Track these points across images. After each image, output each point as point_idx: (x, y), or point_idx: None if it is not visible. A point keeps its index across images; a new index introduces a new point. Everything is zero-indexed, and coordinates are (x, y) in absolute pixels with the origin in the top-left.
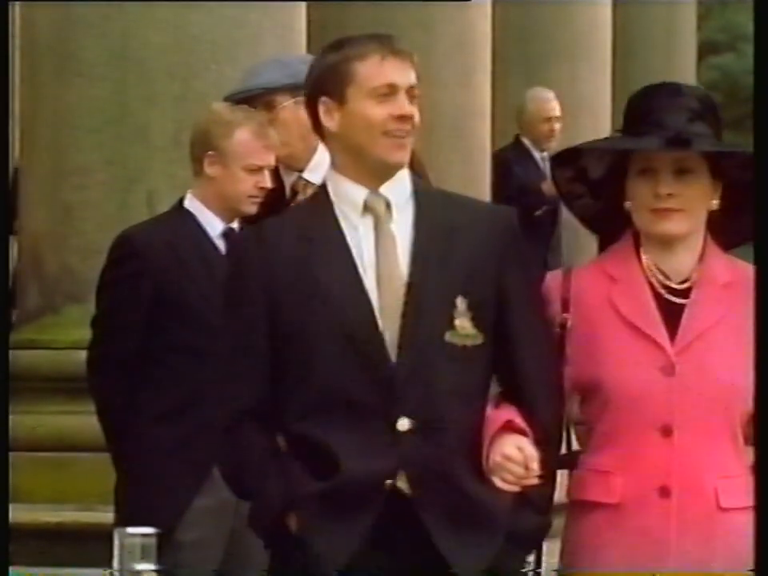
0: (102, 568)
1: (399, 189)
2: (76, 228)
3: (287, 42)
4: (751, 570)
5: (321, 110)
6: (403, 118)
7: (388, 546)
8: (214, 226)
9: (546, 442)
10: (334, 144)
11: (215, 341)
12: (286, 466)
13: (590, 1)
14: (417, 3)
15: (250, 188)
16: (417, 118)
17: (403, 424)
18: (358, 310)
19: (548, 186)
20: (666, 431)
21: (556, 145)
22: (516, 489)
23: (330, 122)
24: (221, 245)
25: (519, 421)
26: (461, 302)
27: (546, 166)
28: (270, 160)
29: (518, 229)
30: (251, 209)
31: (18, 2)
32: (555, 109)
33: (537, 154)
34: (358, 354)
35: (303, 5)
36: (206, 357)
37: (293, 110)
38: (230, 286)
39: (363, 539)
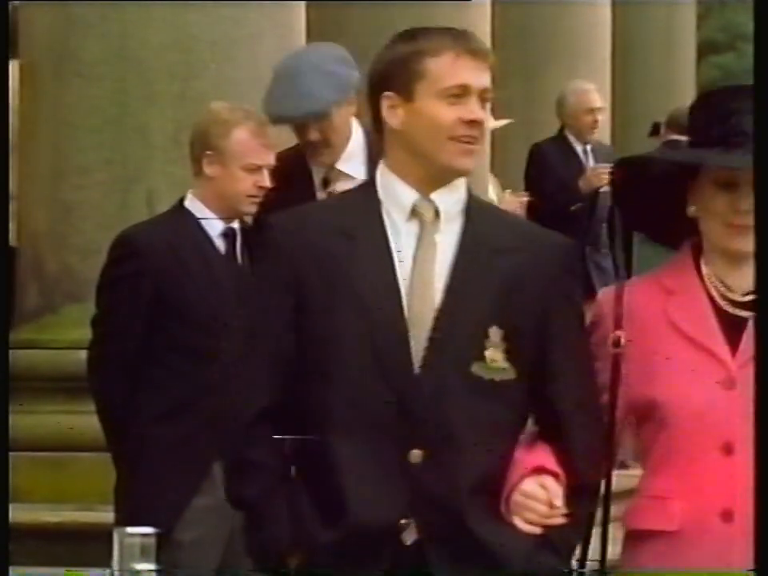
0: (101, 568)
1: (453, 198)
2: (76, 227)
3: (286, 42)
4: (751, 570)
5: (384, 104)
6: (473, 124)
7: None
8: (213, 225)
9: (580, 489)
10: (393, 142)
11: (214, 340)
12: (294, 493)
13: (589, 1)
14: (416, 3)
15: (249, 187)
16: (487, 123)
17: (415, 455)
18: (391, 321)
19: (584, 182)
20: (728, 449)
21: (587, 137)
22: (539, 530)
23: (393, 118)
24: (221, 245)
25: (551, 465)
26: (495, 333)
27: (587, 160)
28: (269, 159)
29: (573, 262)
30: (250, 208)
31: (17, 2)
32: (596, 100)
33: (579, 147)
34: (382, 371)
35: (302, 4)
36: (205, 356)
37: (343, 115)
38: (256, 275)
39: None
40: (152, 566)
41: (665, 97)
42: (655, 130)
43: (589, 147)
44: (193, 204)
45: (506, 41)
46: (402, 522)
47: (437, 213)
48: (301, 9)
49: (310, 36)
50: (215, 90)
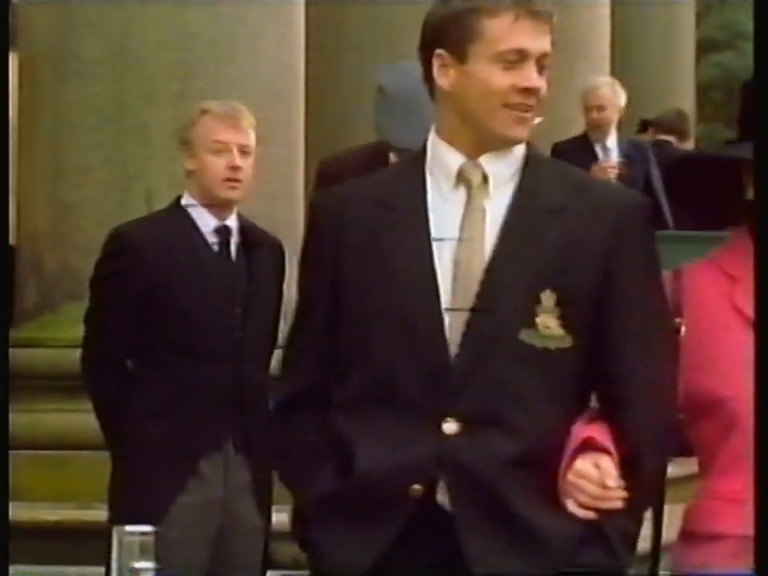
0: (100, 566)
1: (505, 161)
2: (75, 226)
3: (286, 41)
4: (751, 570)
5: (435, 63)
6: (529, 91)
7: (415, 562)
8: (206, 222)
9: (638, 468)
10: (443, 104)
11: (202, 337)
12: (321, 461)
13: (589, 0)
14: (415, 2)
15: (221, 170)
16: (544, 90)
17: (450, 426)
18: (420, 291)
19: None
20: None
21: (603, 134)
22: (591, 515)
23: (443, 78)
24: (214, 241)
25: (604, 438)
26: (548, 297)
27: (604, 156)
28: (239, 138)
29: (644, 221)
30: (229, 193)
31: (17, 2)
32: (600, 97)
33: (598, 145)
34: (413, 341)
35: (302, 3)
36: (193, 353)
37: None
38: (301, 255)
39: (384, 553)
40: (151, 565)
41: (664, 95)
42: (643, 128)
43: (611, 144)
44: (188, 202)
45: None
46: (415, 487)
47: (485, 177)
48: (300, 7)
49: (309, 34)
50: (215, 89)
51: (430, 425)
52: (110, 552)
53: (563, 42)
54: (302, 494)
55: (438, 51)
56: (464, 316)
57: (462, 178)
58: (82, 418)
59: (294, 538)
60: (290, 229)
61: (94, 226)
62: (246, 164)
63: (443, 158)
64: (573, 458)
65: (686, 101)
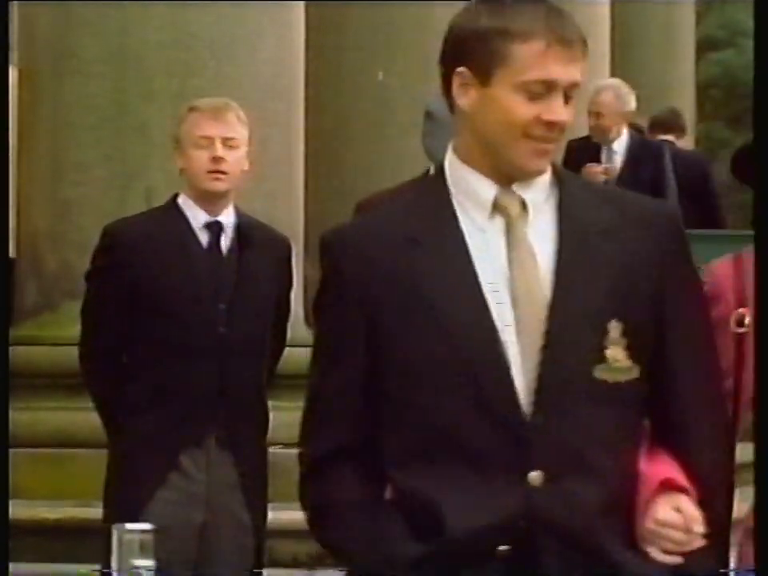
0: (100, 564)
1: (538, 185)
2: (75, 224)
3: (286, 40)
4: (751, 570)
5: (455, 81)
6: (554, 125)
7: None
8: (197, 218)
9: (712, 498)
10: (462, 123)
11: (186, 332)
12: (385, 519)
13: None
14: (414, 3)
15: (204, 163)
16: (570, 121)
17: (535, 478)
18: (480, 335)
19: (585, 174)
20: None
21: (604, 138)
22: (678, 560)
23: (463, 98)
24: (203, 237)
25: (679, 477)
26: (614, 328)
27: (607, 159)
28: (223, 131)
29: (683, 231)
30: (214, 185)
31: (17, 2)
32: (598, 104)
33: (604, 147)
34: (479, 392)
35: (302, 3)
36: (176, 348)
37: None
38: (320, 302)
39: None
40: (151, 563)
41: (664, 93)
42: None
43: (618, 146)
44: (183, 199)
45: None
46: (502, 548)
47: (524, 205)
48: (300, 7)
49: (309, 35)
50: (214, 88)
51: (512, 477)
52: (108, 550)
53: None
54: (363, 556)
55: (460, 69)
56: (531, 358)
57: (498, 207)
58: (81, 417)
59: None
60: (289, 227)
61: (94, 224)
62: (231, 156)
63: (472, 186)
64: (651, 500)
65: (685, 99)
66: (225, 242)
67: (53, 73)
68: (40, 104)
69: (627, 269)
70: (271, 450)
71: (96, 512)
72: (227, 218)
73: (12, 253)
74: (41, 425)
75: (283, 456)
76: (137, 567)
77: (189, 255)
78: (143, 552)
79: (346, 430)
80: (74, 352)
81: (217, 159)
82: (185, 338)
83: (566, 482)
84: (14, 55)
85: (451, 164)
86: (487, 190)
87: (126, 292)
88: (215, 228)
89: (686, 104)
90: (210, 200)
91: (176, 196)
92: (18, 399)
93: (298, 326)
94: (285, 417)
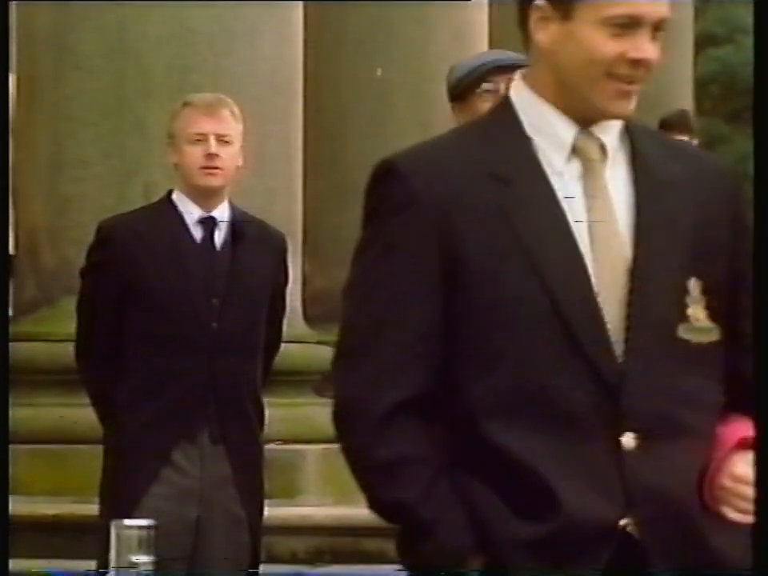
0: (98, 560)
1: (613, 130)
2: (73, 220)
3: (285, 36)
4: (751, 570)
5: (533, 15)
6: (639, 62)
7: None
8: (191, 213)
9: None
10: (540, 60)
11: (177, 328)
12: (477, 489)
13: None
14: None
15: (198, 159)
16: (656, 60)
17: (629, 441)
18: (576, 286)
19: None
20: None
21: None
22: (750, 520)
23: (541, 34)
24: (197, 232)
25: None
26: (694, 286)
27: None
28: (216, 127)
29: (742, 186)
30: (208, 181)
31: (17, 1)
32: None
33: None
34: (573, 345)
35: None
36: (167, 344)
37: None
38: (385, 237)
39: None
40: (150, 558)
41: (663, 89)
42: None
43: None
44: (177, 195)
45: (503, 34)
46: (623, 522)
47: (603, 149)
48: (299, 3)
49: (308, 30)
50: (213, 84)
51: (606, 441)
52: (106, 546)
53: None
54: (450, 525)
55: (539, 1)
56: (619, 310)
57: (576, 151)
58: (80, 412)
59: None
60: (288, 223)
61: (93, 220)
62: (225, 152)
63: (550, 125)
64: (726, 460)
65: (684, 95)
66: (219, 237)
67: (51, 68)
68: (39, 100)
69: (702, 225)
70: (269, 446)
71: (94, 508)
72: (221, 213)
73: (10, 248)
74: (39, 421)
75: (280, 452)
76: (135, 563)
77: (182, 251)
78: (142, 548)
79: (420, 378)
80: (72, 348)
81: (211, 155)
82: (177, 333)
83: (659, 447)
84: (12, 50)
85: (524, 98)
86: (567, 130)
87: (119, 288)
88: (209, 223)
89: (684, 100)
90: (204, 196)
91: (170, 192)
92: (16, 395)
93: (296, 322)
94: (281, 413)
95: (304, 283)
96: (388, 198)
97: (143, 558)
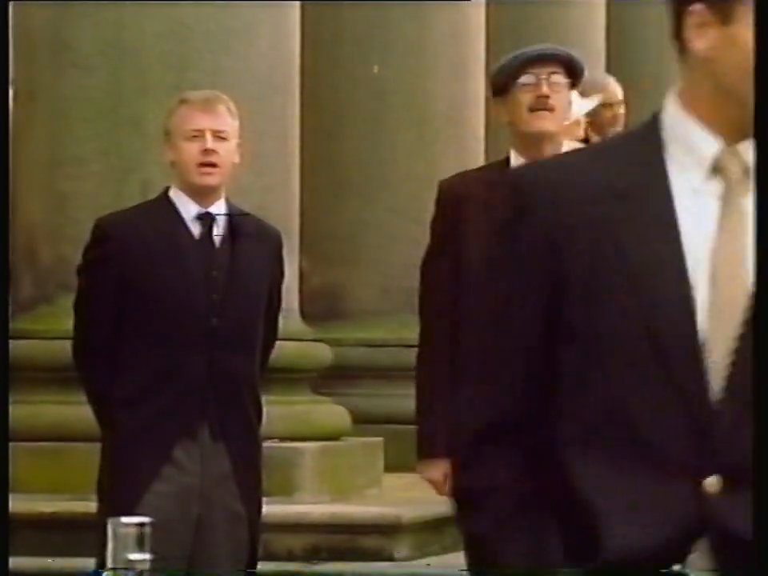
0: (96, 557)
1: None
2: (70, 218)
3: (282, 33)
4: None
5: (689, 21)
6: None
7: None
8: (189, 209)
9: None
10: (695, 70)
11: (176, 325)
12: (544, 521)
13: None
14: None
15: (195, 155)
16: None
17: (712, 484)
18: (677, 314)
19: None
20: None
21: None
22: None
23: (699, 41)
24: (195, 229)
25: None
26: None
27: None
28: (213, 123)
29: None
30: (205, 179)
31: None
32: (613, 94)
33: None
34: (666, 375)
35: None
36: (167, 341)
37: (567, 93)
38: (502, 237)
39: None
40: (146, 556)
41: (659, 88)
42: None
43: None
44: (174, 192)
45: (499, 32)
46: (677, 568)
47: (746, 170)
48: (296, 1)
49: (305, 27)
50: (210, 81)
51: (687, 482)
52: (105, 544)
53: (557, 36)
54: (515, 559)
55: (695, 7)
56: (728, 346)
57: (717, 168)
58: (78, 410)
59: None
60: (285, 220)
61: (90, 217)
62: (222, 148)
63: (692, 138)
64: None
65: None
66: (216, 233)
67: (48, 65)
68: (35, 97)
69: None
70: (265, 444)
71: (92, 506)
72: (219, 209)
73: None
74: (37, 418)
75: (277, 450)
76: (132, 561)
77: (181, 247)
78: (139, 545)
79: (515, 401)
80: (69, 345)
81: (208, 151)
82: (178, 329)
83: (742, 492)
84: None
85: (671, 113)
86: (710, 146)
87: (118, 285)
88: (207, 220)
89: None
90: (201, 193)
91: (167, 189)
92: (13, 393)
93: (292, 319)
94: (278, 411)
95: (301, 281)
96: (514, 208)
97: (140, 556)
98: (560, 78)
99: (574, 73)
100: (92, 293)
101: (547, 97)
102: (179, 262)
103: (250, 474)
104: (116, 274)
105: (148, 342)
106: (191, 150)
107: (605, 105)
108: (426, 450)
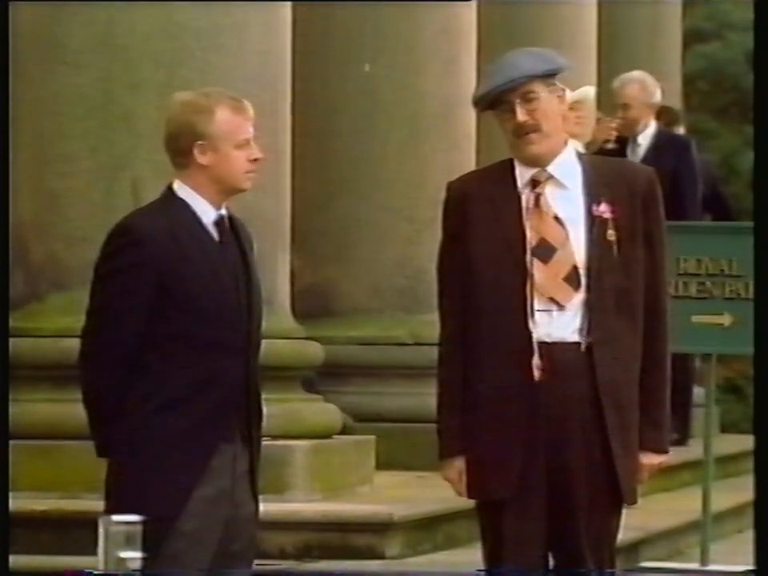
0: (86, 556)
1: None
2: (61, 215)
3: (273, 31)
4: (751, 570)
5: None
6: None
7: None
8: (207, 213)
9: None
10: None
11: (214, 329)
12: None
13: None
14: None
15: (243, 164)
16: None
17: None
18: None
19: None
20: None
21: (630, 131)
22: None
23: None
24: (214, 233)
25: None
26: None
27: (631, 151)
28: (252, 131)
29: None
30: (248, 184)
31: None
32: (622, 96)
33: (630, 140)
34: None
35: None
36: (206, 346)
37: (553, 102)
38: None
39: None
40: (137, 554)
41: None
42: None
43: (642, 139)
44: (184, 192)
45: (491, 29)
46: None
47: None
48: None
49: (296, 25)
50: (201, 78)
51: None
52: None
53: (549, 33)
54: None
55: None
56: None
57: None
58: (68, 408)
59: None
60: (277, 219)
61: (80, 215)
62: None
63: None
64: None
65: (672, 91)
66: (227, 236)
67: (39, 62)
68: (26, 94)
69: None
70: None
71: (82, 503)
72: (225, 211)
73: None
74: (27, 416)
75: (269, 448)
76: (123, 559)
77: (208, 252)
78: (129, 544)
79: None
80: (59, 343)
81: (257, 160)
82: (219, 335)
83: None
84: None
85: None
86: None
87: (149, 290)
88: (221, 222)
89: (672, 96)
90: (230, 197)
91: (172, 189)
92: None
93: (284, 317)
94: (270, 409)
95: (292, 279)
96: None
97: (131, 554)
98: (536, 94)
99: (551, 76)
100: (125, 297)
101: (525, 122)
102: (212, 267)
103: (257, 472)
104: (152, 279)
105: (185, 347)
106: (241, 158)
107: (616, 106)
108: (443, 450)
